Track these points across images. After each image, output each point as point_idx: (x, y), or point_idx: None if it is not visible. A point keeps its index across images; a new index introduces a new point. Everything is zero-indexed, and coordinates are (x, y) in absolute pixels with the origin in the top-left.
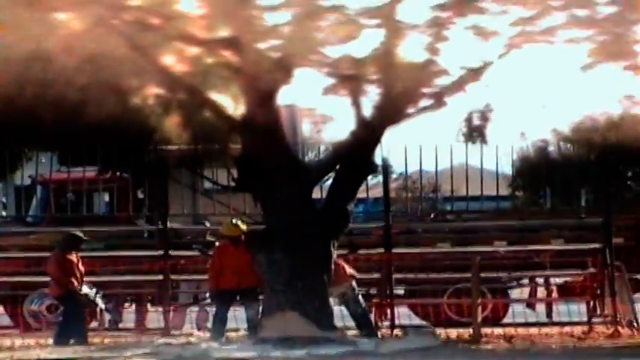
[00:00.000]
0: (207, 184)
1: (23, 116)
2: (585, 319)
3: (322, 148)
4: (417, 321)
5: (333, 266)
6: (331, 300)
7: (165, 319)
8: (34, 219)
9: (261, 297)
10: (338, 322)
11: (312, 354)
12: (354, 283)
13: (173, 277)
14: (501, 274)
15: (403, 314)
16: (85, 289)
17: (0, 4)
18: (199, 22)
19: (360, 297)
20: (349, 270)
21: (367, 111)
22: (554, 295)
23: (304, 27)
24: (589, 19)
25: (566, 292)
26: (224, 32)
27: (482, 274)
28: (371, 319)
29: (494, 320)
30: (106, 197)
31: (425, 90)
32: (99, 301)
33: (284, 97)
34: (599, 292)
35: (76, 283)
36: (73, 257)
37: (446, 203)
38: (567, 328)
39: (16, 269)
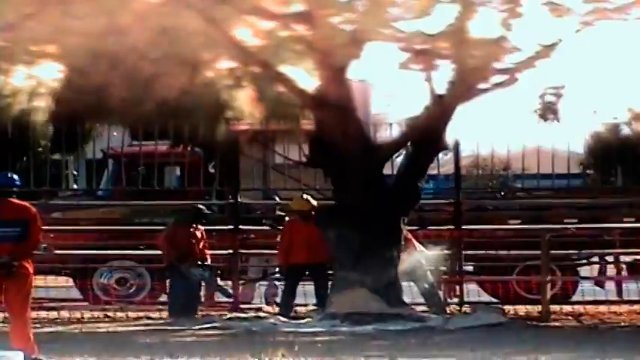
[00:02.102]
0: (279, 159)
1: (96, 90)
2: None
3: (394, 124)
4: (485, 298)
5: (403, 242)
6: (401, 275)
7: (234, 294)
8: (105, 192)
9: (330, 272)
10: (406, 298)
11: (380, 329)
12: (423, 260)
13: (243, 251)
14: (571, 251)
15: (472, 291)
16: (194, 270)
17: None
18: None
19: (429, 273)
20: (419, 247)
21: (440, 87)
22: (624, 273)
23: (377, 1)
24: None
25: (636, 270)
26: (297, 6)
27: (552, 252)
28: (440, 296)
29: (564, 298)
30: (177, 171)
31: (497, 66)
32: (208, 280)
33: (357, 72)
34: None
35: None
36: (196, 232)
37: (517, 180)
38: (636, 307)
39: (86, 242)
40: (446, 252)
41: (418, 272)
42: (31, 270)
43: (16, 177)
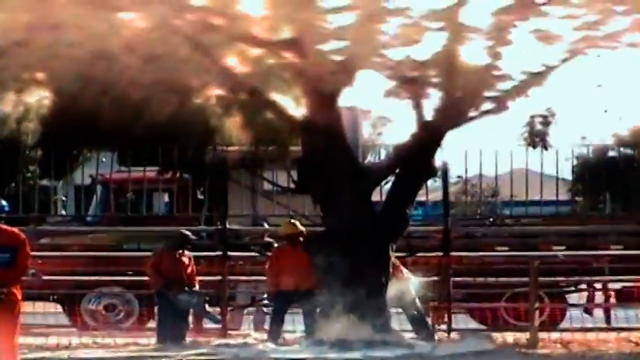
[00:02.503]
0: (267, 185)
1: (85, 115)
2: None
3: (382, 150)
4: (474, 325)
5: (391, 269)
6: (389, 302)
7: (222, 320)
8: (93, 218)
9: (318, 299)
10: (395, 325)
11: (369, 356)
12: (411, 287)
13: (231, 277)
14: (560, 278)
15: (460, 318)
16: (181, 296)
17: (62, 2)
18: (262, 23)
19: (417, 300)
20: (407, 273)
21: (428, 114)
22: (612, 300)
23: (367, 29)
24: None
25: (625, 297)
26: (287, 34)
27: (541, 279)
28: (428, 323)
29: (552, 325)
30: (166, 197)
31: (486, 94)
32: (195, 306)
33: (345, 99)
34: None
35: (170, 285)
36: (182, 258)
37: (505, 207)
38: (625, 334)
39: (74, 268)
40: (434, 279)
41: (406, 299)
42: (19, 296)
43: (4, 203)
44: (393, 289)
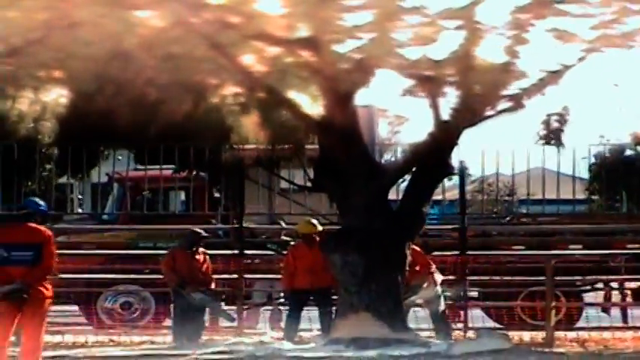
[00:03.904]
0: (284, 184)
1: (101, 114)
2: None
3: (399, 149)
4: (490, 323)
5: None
6: (413, 299)
7: (238, 318)
8: (109, 216)
9: (334, 297)
10: (411, 324)
11: (385, 355)
12: (438, 285)
13: (247, 276)
14: (576, 277)
15: (476, 316)
16: (195, 294)
17: (80, 2)
18: (279, 22)
19: (442, 298)
20: (435, 270)
21: (445, 113)
22: (629, 299)
23: (383, 28)
24: None
25: None
26: (303, 32)
27: (557, 278)
28: (449, 322)
29: (568, 324)
30: (182, 196)
31: (503, 92)
32: (210, 305)
33: (362, 97)
34: None
35: (184, 284)
36: (197, 256)
37: (522, 206)
38: None
39: (90, 266)
40: (450, 277)
41: (433, 296)
42: (47, 294)
43: (41, 203)
44: (421, 286)
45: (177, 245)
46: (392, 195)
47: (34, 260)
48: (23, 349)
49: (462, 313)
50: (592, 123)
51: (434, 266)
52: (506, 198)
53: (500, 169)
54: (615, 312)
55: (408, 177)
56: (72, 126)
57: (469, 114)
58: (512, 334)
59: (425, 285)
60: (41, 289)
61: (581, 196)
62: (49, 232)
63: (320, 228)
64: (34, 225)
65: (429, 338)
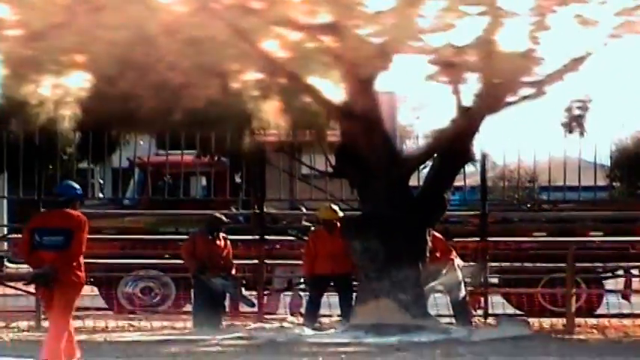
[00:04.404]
0: (305, 170)
1: (123, 99)
2: None
3: (420, 135)
4: (510, 310)
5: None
6: (433, 285)
7: (259, 304)
8: (130, 201)
9: (354, 283)
10: (431, 310)
11: (405, 341)
12: (459, 270)
13: (268, 261)
14: (597, 264)
15: (497, 303)
16: (215, 280)
17: None
18: (300, 7)
19: (463, 284)
20: (456, 257)
21: (467, 99)
22: None
23: (406, 14)
24: None
25: None
26: (325, 17)
27: (577, 264)
28: (469, 309)
29: (588, 311)
30: (203, 181)
31: (525, 79)
32: (230, 290)
33: (383, 83)
34: None
35: (203, 269)
36: (217, 241)
37: (543, 193)
38: None
39: (111, 251)
40: (471, 264)
41: (453, 282)
42: (77, 279)
43: (75, 186)
44: (441, 272)
45: (198, 230)
46: (413, 181)
47: (64, 245)
48: (47, 335)
49: (482, 299)
50: (614, 110)
51: (454, 252)
52: (528, 185)
53: (522, 156)
54: (636, 299)
55: (429, 163)
56: (93, 111)
57: (491, 100)
58: (532, 320)
59: (445, 271)
60: (69, 274)
61: (602, 182)
62: (83, 218)
63: (341, 214)
64: (69, 211)
65: (449, 325)
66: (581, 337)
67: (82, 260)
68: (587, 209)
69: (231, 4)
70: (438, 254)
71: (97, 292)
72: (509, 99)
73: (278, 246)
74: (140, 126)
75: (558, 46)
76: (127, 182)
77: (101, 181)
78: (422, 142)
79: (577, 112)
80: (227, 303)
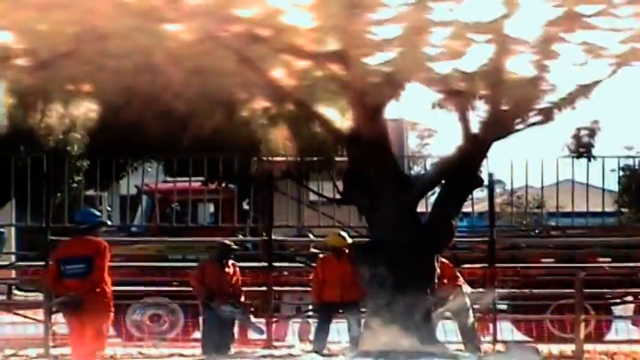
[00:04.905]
0: (313, 196)
1: (130, 126)
2: None
3: (428, 162)
4: (519, 336)
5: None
6: (441, 310)
7: (267, 331)
8: (138, 228)
9: (363, 310)
10: (440, 336)
11: None
12: (467, 297)
13: (276, 288)
14: (605, 290)
15: (505, 329)
16: (224, 307)
17: (108, 14)
18: (308, 35)
19: (471, 311)
20: (463, 283)
21: (474, 126)
22: None
23: (413, 42)
24: None
25: None
26: (333, 46)
27: (586, 291)
28: (478, 335)
29: (597, 337)
30: (211, 208)
31: (533, 106)
32: (239, 317)
33: (391, 111)
34: None
35: (213, 296)
36: (226, 268)
37: (551, 219)
38: None
39: (119, 278)
40: (479, 290)
41: (461, 308)
42: (104, 305)
43: (97, 213)
44: (449, 298)
45: (207, 258)
46: (421, 207)
47: (86, 273)
48: None
49: (490, 325)
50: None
51: (461, 278)
52: (536, 210)
53: (530, 182)
54: None
55: (437, 189)
56: (101, 138)
57: (498, 127)
58: (541, 347)
59: (452, 297)
60: (95, 302)
61: (610, 208)
62: (104, 244)
63: (349, 241)
64: (90, 237)
65: (457, 351)
66: None
67: (108, 285)
68: (595, 235)
69: (238, 32)
70: (445, 280)
71: None
72: (517, 126)
73: (286, 273)
74: (147, 153)
75: (566, 73)
76: (134, 209)
77: (109, 209)
78: (430, 169)
79: (585, 138)
80: (236, 330)
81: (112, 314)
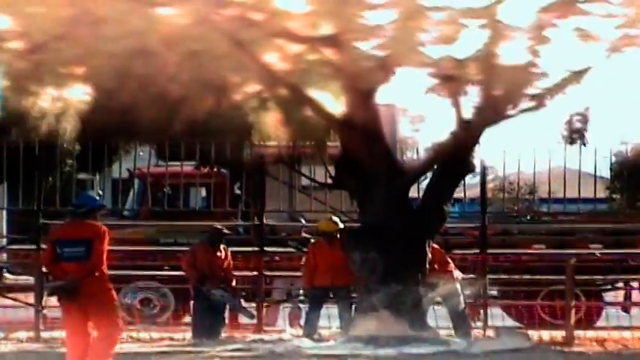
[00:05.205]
0: (305, 181)
1: (123, 110)
2: None
3: (420, 147)
4: (509, 322)
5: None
6: (432, 295)
7: (258, 315)
8: (130, 212)
9: (354, 295)
10: (430, 322)
11: (404, 353)
12: (458, 282)
13: (267, 273)
14: (596, 276)
15: (496, 315)
16: (215, 291)
17: None
18: (301, 20)
19: (462, 297)
20: (454, 269)
21: (467, 112)
22: None
23: (406, 26)
24: None
25: None
26: (326, 30)
27: (577, 277)
28: (469, 321)
29: (588, 323)
30: (203, 192)
31: (525, 92)
32: (230, 302)
33: (383, 96)
34: None
35: (204, 280)
36: (217, 253)
37: (542, 205)
38: None
39: (110, 262)
40: (470, 276)
41: (452, 294)
42: (104, 289)
43: (96, 197)
44: (439, 283)
45: (199, 242)
46: (413, 193)
47: (85, 256)
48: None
49: (481, 311)
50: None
51: (452, 264)
52: (527, 196)
53: (522, 168)
54: (635, 311)
55: (429, 175)
56: (93, 122)
57: (491, 113)
58: (531, 332)
59: (443, 282)
60: (94, 285)
61: (602, 195)
62: (103, 229)
63: (341, 226)
64: (89, 221)
65: (448, 336)
66: (581, 349)
67: (105, 270)
68: (586, 221)
69: (231, 16)
70: (436, 266)
71: None
72: (510, 112)
73: (277, 257)
74: (140, 137)
75: (559, 59)
76: (126, 193)
77: (100, 192)
78: (422, 154)
79: (577, 124)
80: (226, 314)
81: (115, 296)
